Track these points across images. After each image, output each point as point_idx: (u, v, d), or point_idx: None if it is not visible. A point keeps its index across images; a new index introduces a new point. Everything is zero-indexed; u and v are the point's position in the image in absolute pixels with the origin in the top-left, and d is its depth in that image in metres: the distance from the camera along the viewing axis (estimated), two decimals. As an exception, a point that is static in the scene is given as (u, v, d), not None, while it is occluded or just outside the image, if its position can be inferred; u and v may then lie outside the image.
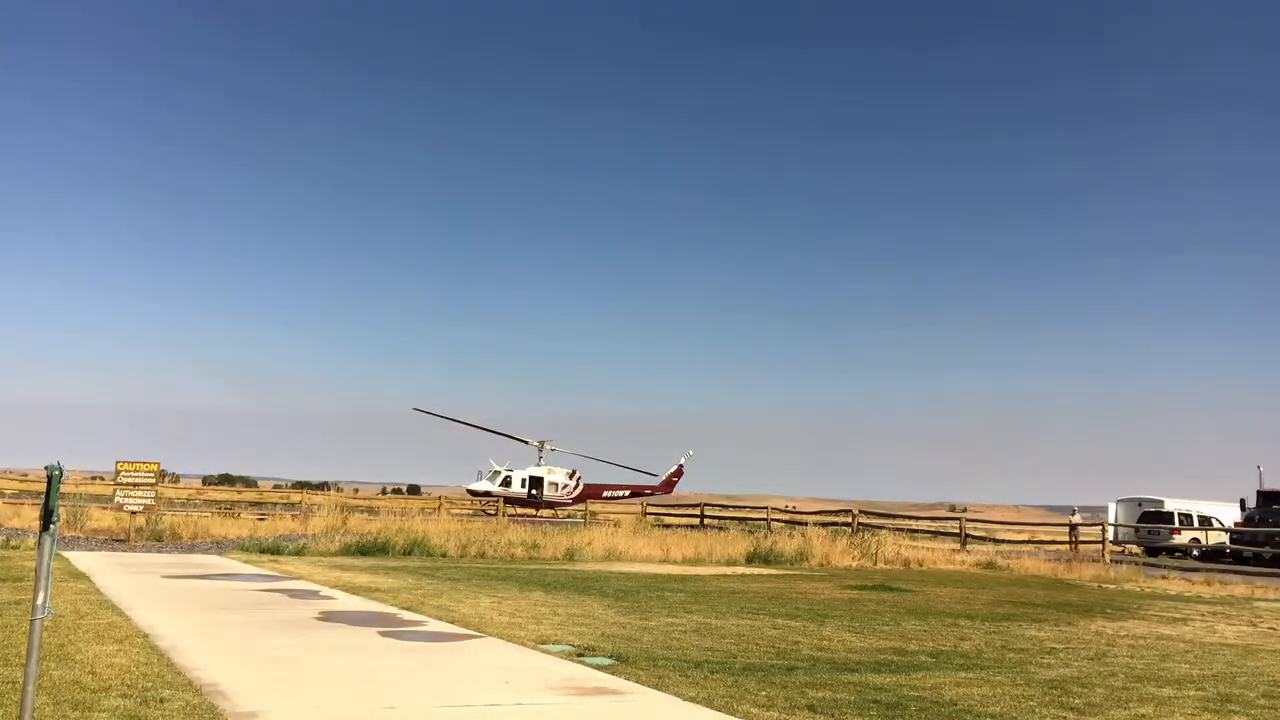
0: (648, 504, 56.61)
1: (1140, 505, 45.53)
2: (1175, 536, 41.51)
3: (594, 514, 49.50)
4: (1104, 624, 15.17)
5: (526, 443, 65.67)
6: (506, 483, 60.87)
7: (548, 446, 65.32)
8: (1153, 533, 41.74)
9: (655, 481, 68.45)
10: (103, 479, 48.49)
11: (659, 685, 8.45)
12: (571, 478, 64.28)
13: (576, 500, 61.88)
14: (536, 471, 63.05)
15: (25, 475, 52.24)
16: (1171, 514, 42.96)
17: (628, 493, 65.39)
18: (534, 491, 61.73)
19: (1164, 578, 26.78)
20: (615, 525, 38.02)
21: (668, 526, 41.88)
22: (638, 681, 8.60)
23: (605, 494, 64.15)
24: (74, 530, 27.09)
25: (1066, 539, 38.46)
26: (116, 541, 25.00)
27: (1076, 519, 45.43)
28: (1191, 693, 9.30)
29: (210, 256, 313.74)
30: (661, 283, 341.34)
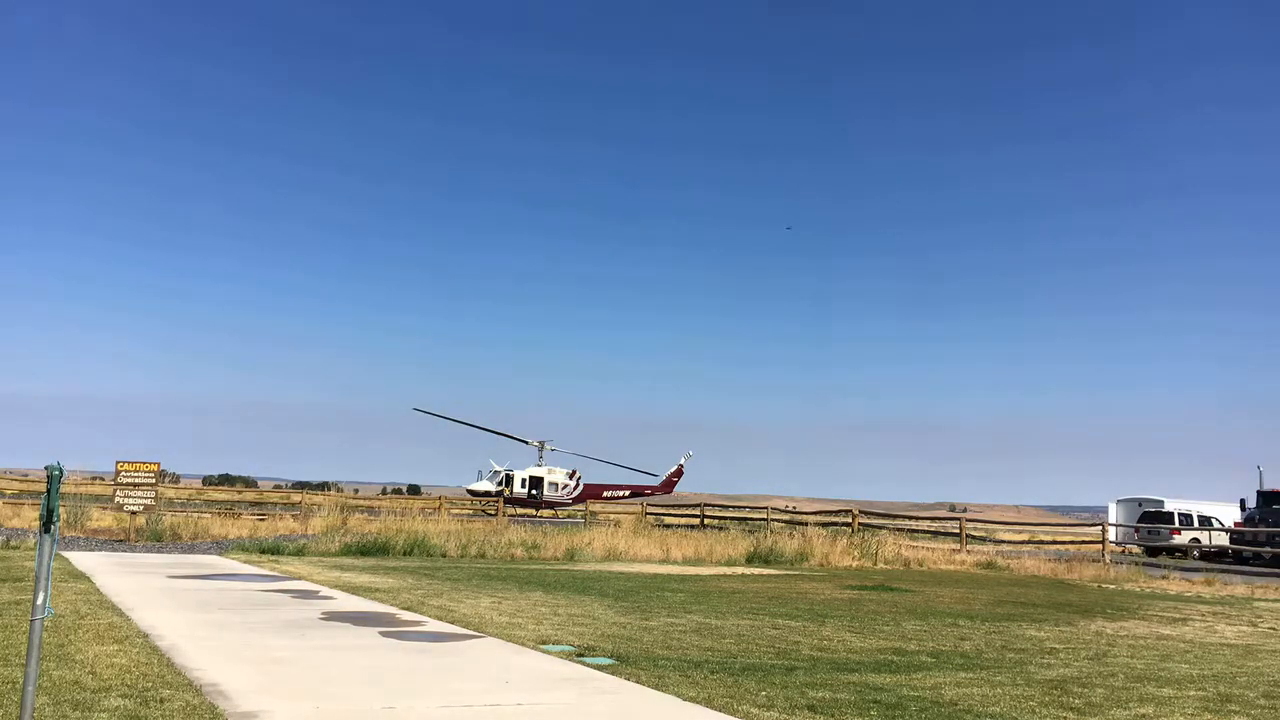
0: (648, 504, 56.56)
1: (1140, 505, 45.53)
2: (1175, 537, 41.51)
3: (594, 514, 49.45)
4: (1104, 624, 15.17)
5: (526, 443, 65.75)
6: (507, 483, 60.92)
7: (548, 446, 65.36)
8: (1153, 533, 41.74)
9: (655, 482, 68.49)
10: (103, 479, 48.45)
11: (659, 685, 8.45)
12: (571, 478, 64.31)
13: (577, 500, 61.90)
14: (537, 471, 63.09)
15: (25, 475, 52.23)
16: (1171, 514, 42.94)
17: (628, 493, 65.41)
18: (534, 491, 61.77)
19: (1164, 578, 26.78)
20: (615, 525, 38.01)
21: (668, 527, 41.82)
22: (638, 682, 8.60)
23: (605, 494, 64.16)
24: (74, 530, 27.09)
25: (1071, 539, 38.46)
26: (117, 542, 24.99)
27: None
28: (1192, 693, 9.29)
29: (211, 255, 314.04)
30: (662, 282, 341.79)
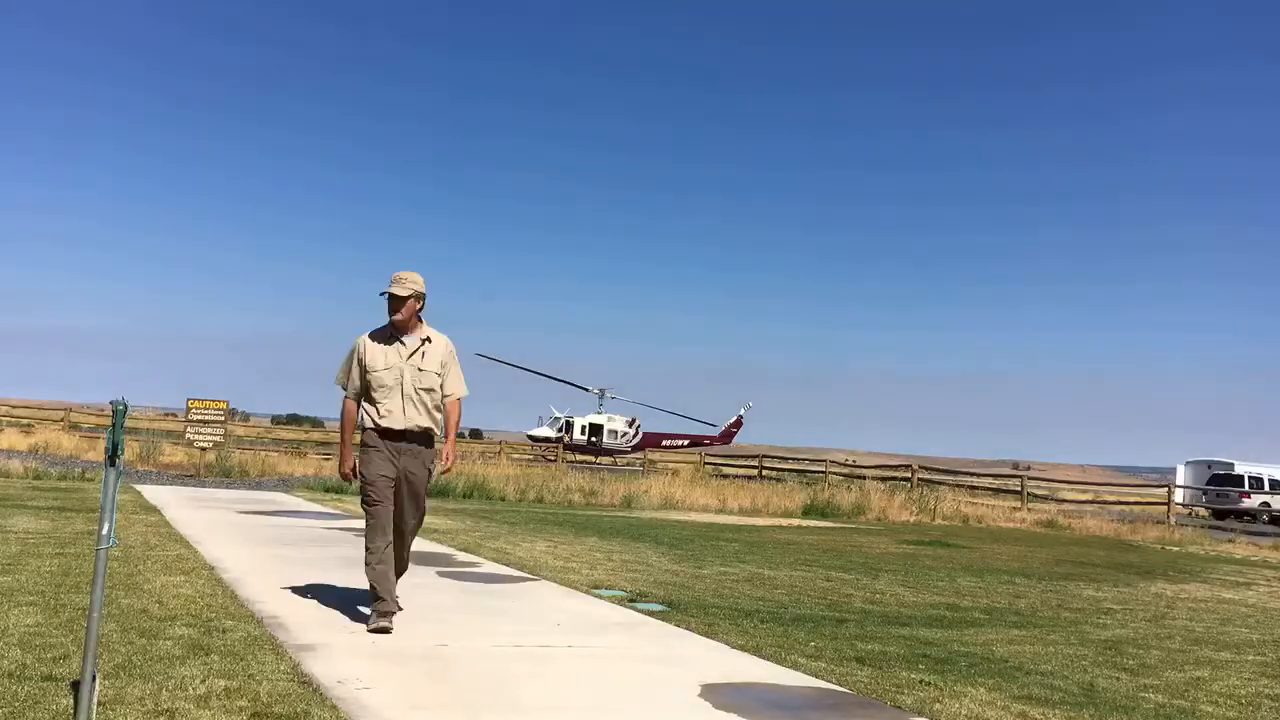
0: (706, 454, 56.77)
1: (1210, 467, 44.57)
2: (1245, 500, 40.68)
3: (652, 462, 49.77)
4: (1164, 586, 14.96)
5: (587, 390, 66.22)
6: (567, 429, 61.47)
7: (608, 394, 65.78)
8: (1221, 496, 40.94)
9: (714, 432, 68.69)
10: (175, 416, 49.80)
11: (709, 633, 8.52)
12: (631, 426, 64.71)
13: (635, 448, 62.34)
14: (596, 419, 63.57)
15: (103, 410, 53.77)
16: (1241, 477, 42.04)
17: (686, 442, 65.71)
18: (594, 438, 62.26)
19: (1230, 541, 26.28)
20: (673, 474, 38.23)
21: (725, 477, 41.97)
22: (688, 628, 8.67)
23: (664, 443, 64.52)
24: (147, 465, 27.92)
25: (1136, 500, 37.81)
26: (187, 477, 25.72)
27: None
28: (1251, 657, 9.15)
29: (282, 206, 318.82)
30: (725, 235, 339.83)
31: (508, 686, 6.28)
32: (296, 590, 9.32)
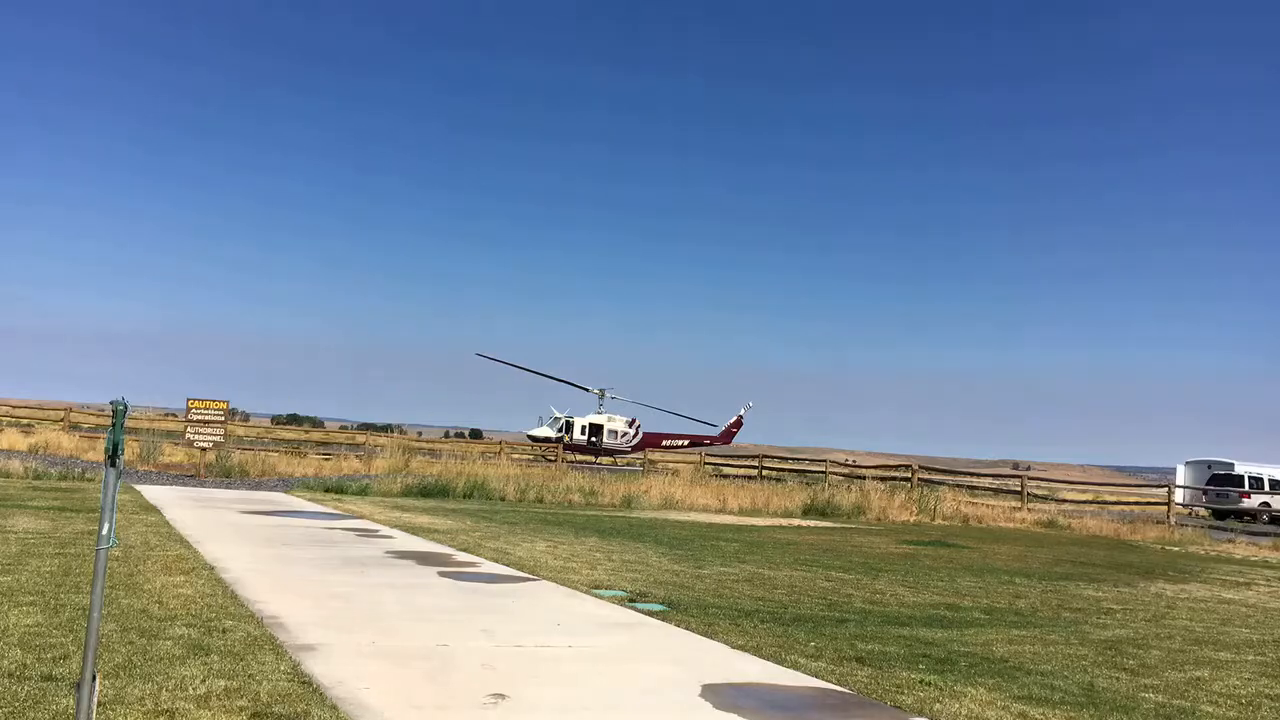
0: (706, 454, 56.73)
1: (1210, 468, 44.51)
2: (1245, 500, 40.64)
3: (652, 462, 49.70)
4: (1164, 586, 14.96)
5: (587, 390, 66.19)
6: (567, 429, 61.46)
7: (608, 394, 65.73)
8: (1221, 496, 40.91)
9: (714, 432, 68.65)
10: (175, 416, 49.81)
11: (709, 633, 8.52)
12: (631, 426, 64.67)
13: (636, 448, 62.30)
14: (596, 419, 63.53)
15: (103, 410, 53.75)
16: (1241, 477, 41.99)
17: (687, 442, 65.66)
18: (594, 439, 62.24)
19: (1230, 541, 26.27)
20: (673, 474, 38.20)
21: (726, 477, 41.92)
22: (688, 628, 8.67)
23: (664, 443, 64.47)
24: (147, 465, 27.91)
25: (1136, 500, 37.79)
26: (187, 477, 25.69)
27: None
28: (1250, 657, 9.15)
29: (281, 204, 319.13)
30: (725, 235, 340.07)
31: (508, 686, 6.28)
32: (296, 590, 9.32)
